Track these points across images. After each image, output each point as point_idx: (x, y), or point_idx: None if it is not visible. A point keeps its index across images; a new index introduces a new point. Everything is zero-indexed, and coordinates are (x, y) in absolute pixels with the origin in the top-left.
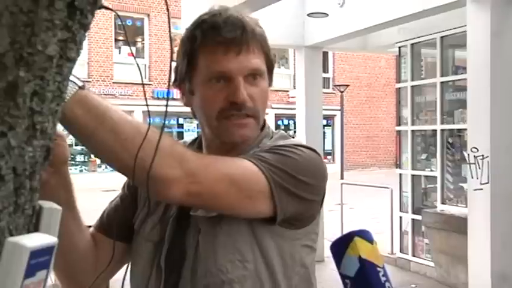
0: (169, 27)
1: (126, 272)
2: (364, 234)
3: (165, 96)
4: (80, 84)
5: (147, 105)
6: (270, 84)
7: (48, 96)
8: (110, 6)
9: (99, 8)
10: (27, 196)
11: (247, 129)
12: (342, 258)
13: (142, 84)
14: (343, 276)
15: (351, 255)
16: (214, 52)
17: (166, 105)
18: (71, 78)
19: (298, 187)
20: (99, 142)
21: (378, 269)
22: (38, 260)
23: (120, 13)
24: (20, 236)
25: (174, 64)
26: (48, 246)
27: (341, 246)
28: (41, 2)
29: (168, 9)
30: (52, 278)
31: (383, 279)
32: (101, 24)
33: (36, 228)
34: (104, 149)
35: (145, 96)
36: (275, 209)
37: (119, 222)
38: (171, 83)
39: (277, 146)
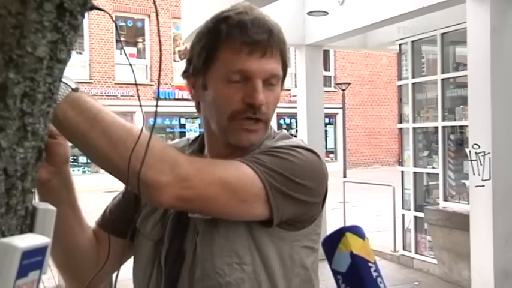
0: (159, 30)
1: (117, 273)
2: (356, 230)
3: (167, 97)
4: (73, 86)
5: (140, 105)
6: (281, 89)
7: (38, 98)
8: (110, 7)
9: (91, 9)
10: (19, 197)
11: (256, 135)
12: (333, 254)
13: (136, 85)
14: (335, 272)
15: (343, 251)
16: (239, 51)
17: (156, 106)
18: (64, 80)
19: (295, 190)
20: (90, 144)
21: (370, 264)
22: (31, 260)
23: (120, 14)
24: (12, 236)
25: (175, 64)
26: (41, 246)
27: (332, 242)
28: (30, 4)
29: (157, 14)
30: (56, 279)
31: (374, 274)
32: (102, 25)
33: (30, 229)
34: (96, 151)
35: (139, 97)
36: (271, 212)
37: (120, 219)
38: (160, 80)
39: (274, 147)
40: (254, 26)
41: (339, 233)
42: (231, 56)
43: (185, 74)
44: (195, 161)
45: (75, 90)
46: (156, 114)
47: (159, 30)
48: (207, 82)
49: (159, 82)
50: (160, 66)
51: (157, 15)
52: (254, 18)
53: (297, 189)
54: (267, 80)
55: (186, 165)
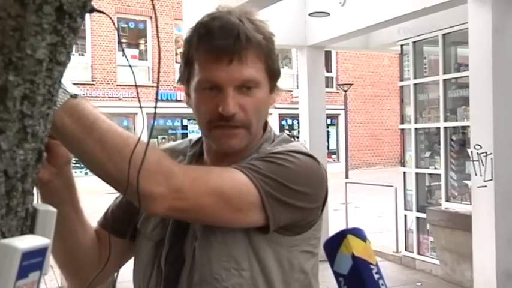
0: (158, 32)
1: (117, 274)
2: (357, 232)
3: (169, 98)
4: (73, 92)
5: (140, 107)
6: (272, 91)
7: (38, 100)
8: (111, 9)
9: (90, 12)
10: (19, 198)
11: (235, 140)
12: (335, 257)
13: (136, 86)
14: (337, 274)
15: (344, 253)
16: (206, 60)
17: (155, 107)
18: (64, 86)
19: (291, 196)
20: (86, 152)
21: (371, 266)
22: (31, 261)
23: (122, 16)
24: (12, 238)
25: (177, 66)
26: (41, 247)
27: (334, 245)
28: (29, 7)
29: (156, 17)
30: (58, 280)
31: (376, 276)
32: (104, 27)
33: (31, 231)
34: (91, 160)
35: (139, 99)
36: (268, 219)
37: (121, 219)
38: (160, 82)
39: (271, 153)
40: (220, 33)
41: (340, 235)
42: (201, 65)
43: (179, 82)
44: (190, 170)
45: (74, 96)
46: (155, 115)
47: (157, 33)
48: (189, 90)
49: (158, 84)
50: (159, 68)
51: (156, 18)
52: (223, 24)
53: (293, 195)
54: (241, 86)
55: (180, 176)
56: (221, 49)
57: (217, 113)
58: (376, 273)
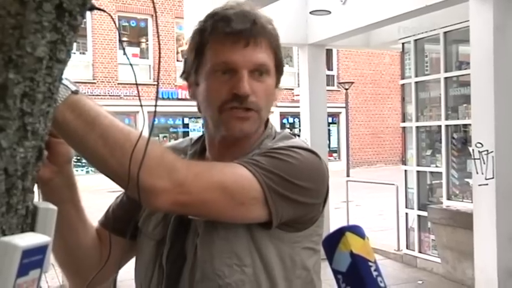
0: (158, 31)
1: (117, 274)
2: (356, 230)
3: (170, 97)
4: (73, 88)
5: (141, 105)
6: (278, 84)
7: (38, 98)
8: (112, 7)
9: (91, 10)
10: (20, 196)
11: (247, 123)
12: (333, 254)
13: (137, 85)
14: (335, 272)
15: (343, 251)
16: (222, 43)
17: (155, 105)
18: (65, 82)
19: (294, 191)
20: (88, 147)
21: (370, 263)
22: (31, 259)
23: (123, 14)
24: (12, 235)
25: (178, 64)
26: (41, 245)
27: (332, 242)
28: (29, 5)
29: (156, 16)
30: (60, 279)
31: (375, 274)
32: (105, 25)
33: (32, 228)
34: (93, 155)
35: (139, 98)
36: (270, 214)
37: (122, 218)
38: (161, 81)
39: (274, 149)
40: (237, 18)
41: (339, 233)
42: (216, 49)
43: (183, 75)
44: (193, 165)
45: (75, 92)
46: (155, 114)
47: (158, 31)
48: (198, 78)
49: (158, 82)
50: (159, 66)
51: (156, 17)
52: (239, 11)
53: (295, 190)
54: (254, 70)
55: (183, 171)
56: (238, 32)
57: (231, 94)
58: (374, 270)
